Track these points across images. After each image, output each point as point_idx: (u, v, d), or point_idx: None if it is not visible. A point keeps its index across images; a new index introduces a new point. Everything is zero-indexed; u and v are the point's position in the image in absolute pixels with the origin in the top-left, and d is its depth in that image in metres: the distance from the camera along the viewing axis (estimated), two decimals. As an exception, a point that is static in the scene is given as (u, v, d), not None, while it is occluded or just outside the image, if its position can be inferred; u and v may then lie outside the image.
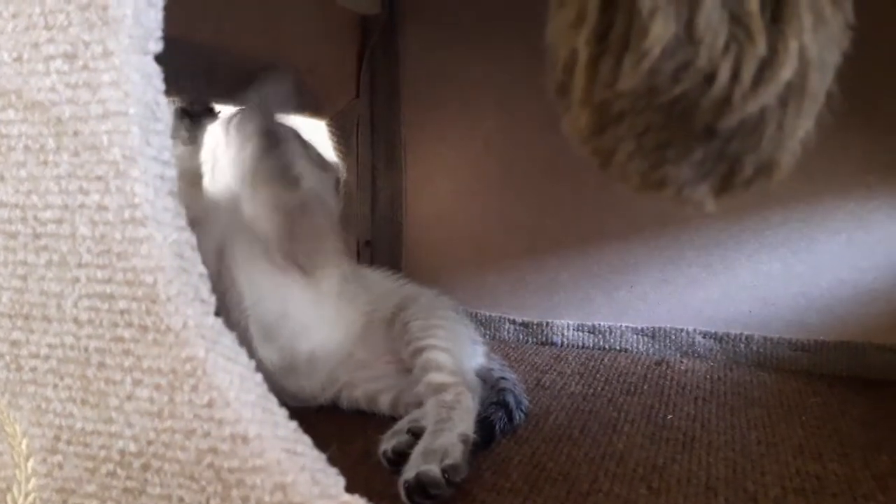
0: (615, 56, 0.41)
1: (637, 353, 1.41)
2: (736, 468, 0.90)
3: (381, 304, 1.10)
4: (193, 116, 1.06)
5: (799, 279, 1.30)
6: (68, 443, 0.58)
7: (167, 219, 0.53)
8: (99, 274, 0.54)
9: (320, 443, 0.95)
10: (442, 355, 0.98)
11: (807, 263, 1.29)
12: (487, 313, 1.52)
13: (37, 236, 0.56)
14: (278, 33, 1.26)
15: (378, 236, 1.58)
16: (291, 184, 0.97)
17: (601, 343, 1.44)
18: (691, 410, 1.10)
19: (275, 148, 0.96)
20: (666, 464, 0.91)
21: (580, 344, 1.46)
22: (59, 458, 0.58)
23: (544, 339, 1.48)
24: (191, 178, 0.99)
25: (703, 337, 1.36)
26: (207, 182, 1.01)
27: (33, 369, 0.58)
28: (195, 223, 0.99)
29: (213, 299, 0.55)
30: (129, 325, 0.54)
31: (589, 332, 1.45)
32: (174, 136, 1.00)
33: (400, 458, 0.84)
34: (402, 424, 0.91)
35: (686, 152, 0.43)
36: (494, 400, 1.01)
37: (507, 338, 1.51)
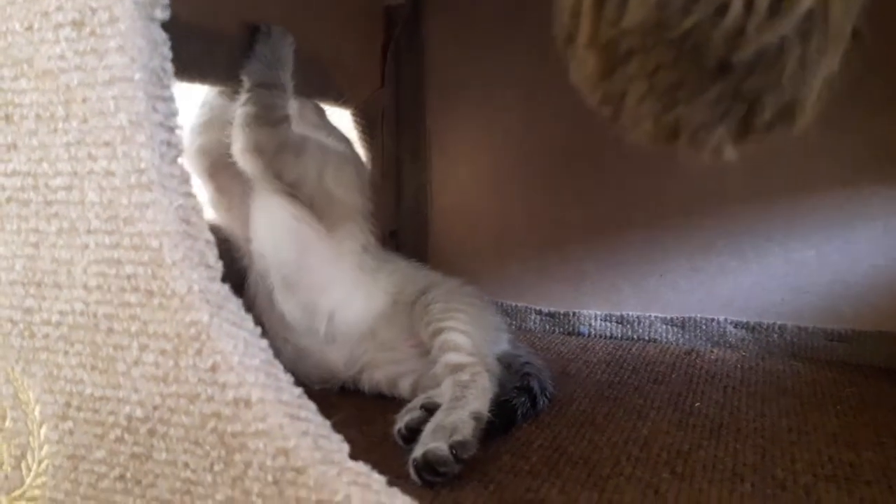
0: (621, -10, 0.40)
1: (666, 343, 1.38)
2: (765, 455, 0.87)
3: (406, 288, 1.10)
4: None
5: (834, 267, 1.25)
6: (78, 409, 0.58)
7: (173, 184, 0.53)
8: (107, 240, 0.54)
9: (341, 424, 0.97)
10: (461, 337, 0.97)
11: (842, 251, 1.25)
12: (513, 303, 1.50)
13: (48, 203, 0.56)
14: (303, 22, 1.26)
15: (403, 227, 1.58)
16: (271, 124, 1.00)
17: (629, 333, 1.41)
18: (720, 398, 1.07)
19: (264, 92, 1.00)
20: (691, 449, 0.89)
21: (608, 334, 1.43)
22: (69, 424, 0.59)
23: (571, 329, 1.46)
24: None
25: (735, 327, 1.33)
26: None
27: (45, 336, 0.59)
28: (231, 170, 1.05)
29: (219, 265, 0.55)
30: (136, 289, 0.54)
31: (617, 322, 1.42)
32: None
33: (413, 434, 0.83)
34: (417, 401, 0.91)
35: (700, 90, 0.40)
36: (518, 385, 1.00)
37: (533, 328, 1.50)
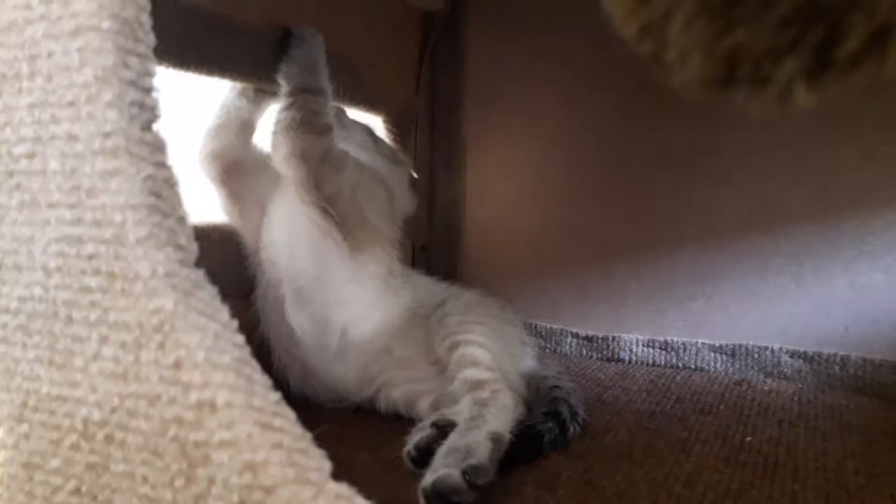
0: None
1: (714, 372, 1.26)
2: (829, 499, 0.76)
3: (424, 302, 1.03)
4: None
5: (906, 293, 1.13)
6: (35, 409, 0.51)
7: (143, 152, 0.47)
8: (68, 214, 0.48)
9: (351, 446, 0.89)
10: (479, 351, 0.88)
11: (915, 275, 1.13)
12: (548, 325, 1.41)
13: (10, 174, 0.50)
14: (338, 26, 1.21)
15: (435, 241, 1.50)
16: (317, 132, 0.96)
17: (674, 360, 1.30)
18: (774, 434, 0.96)
19: (308, 98, 0.97)
20: (742, 489, 0.78)
21: (650, 361, 1.32)
22: (25, 427, 0.52)
23: (610, 354, 1.35)
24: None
25: (791, 356, 1.20)
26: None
27: (4, 326, 0.52)
28: (245, 175, 1.01)
29: (193, 247, 0.48)
30: (97, 272, 0.47)
31: (660, 348, 1.31)
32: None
33: (424, 456, 0.74)
34: (428, 419, 0.82)
35: (765, 7, 0.31)
36: (545, 409, 0.90)
37: (568, 352, 1.39)
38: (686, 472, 0.82)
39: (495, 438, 0.74)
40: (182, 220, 0.47)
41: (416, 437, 0.79)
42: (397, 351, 0.99)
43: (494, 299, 1.06)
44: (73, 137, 0.47)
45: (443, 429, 0.78)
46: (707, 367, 1.27)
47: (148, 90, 0.47)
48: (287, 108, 0.96)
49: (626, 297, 1.35)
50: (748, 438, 0.94)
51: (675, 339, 1.30)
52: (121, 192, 0.45)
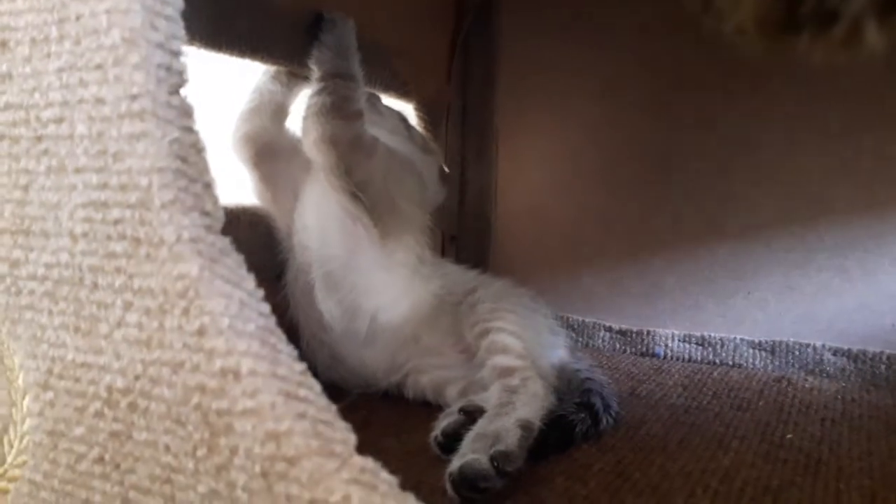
0: None
1: (752, 369, 1.23)
2: (875, 499, 0.72)
3: (453, 290, 1.01)
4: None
5: (957, 289, 1.08)
6: (60, 377, 0.51)
7: (170, 115, 0.46)
8: (94, 179, 0.47)
9: (378, 431, 0.88)
10: (509, 338, 0.87)
11: (967, 271, 1.08)
12: (581, 318, 1.38)
13: (38, 139, 0.50)
14: (370, 11, 1.20)
15: (465, 231, 1.48)
16: (347, 117, 0.95)
17: (710, 356, 1.26)
18: (816, 432, 0.92)
19: (339, 83, 0.96)
20: (782, 486, 0.75)
21: (686, 356, 1.29)
22: (50, 394, 0.51)
23: (644, 349, 1.32)
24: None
25: (834, 354, 1.16)
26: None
27: (31, 292, 0.52)
28: (278, 159, 1.01)
29: (220, 213, 0.47)
30: (122, 237, 0.46)
31: (697, 343, 1.28)
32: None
33: (452, 441, 0.72)
34: (455, 405, 0.80)
35: None
36: (578, 401, 0.88)
37: (602, 346, 1.37)
38: (723, 467, 0.79)
39: (525, 426, 0.72)
40: (209, 185, 0.46)
41: (443, 423, 0.77)
42: (426, 338, 0.97)
43: (525, 290, 1.04)
44: (100, 101, 0.46)
45: (471, 414, 0.76)
46: (745, 364, 1.24)
47: (175, 53, 0.46)
48: (318, 93, 0.95)
49: (662, 291, 1.32)
50: (789, 436, 0.90)
51: (712, 335, 1.27)
52: (147, 156, 0.45)
